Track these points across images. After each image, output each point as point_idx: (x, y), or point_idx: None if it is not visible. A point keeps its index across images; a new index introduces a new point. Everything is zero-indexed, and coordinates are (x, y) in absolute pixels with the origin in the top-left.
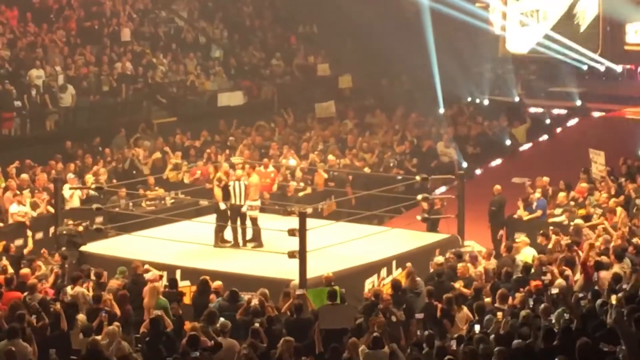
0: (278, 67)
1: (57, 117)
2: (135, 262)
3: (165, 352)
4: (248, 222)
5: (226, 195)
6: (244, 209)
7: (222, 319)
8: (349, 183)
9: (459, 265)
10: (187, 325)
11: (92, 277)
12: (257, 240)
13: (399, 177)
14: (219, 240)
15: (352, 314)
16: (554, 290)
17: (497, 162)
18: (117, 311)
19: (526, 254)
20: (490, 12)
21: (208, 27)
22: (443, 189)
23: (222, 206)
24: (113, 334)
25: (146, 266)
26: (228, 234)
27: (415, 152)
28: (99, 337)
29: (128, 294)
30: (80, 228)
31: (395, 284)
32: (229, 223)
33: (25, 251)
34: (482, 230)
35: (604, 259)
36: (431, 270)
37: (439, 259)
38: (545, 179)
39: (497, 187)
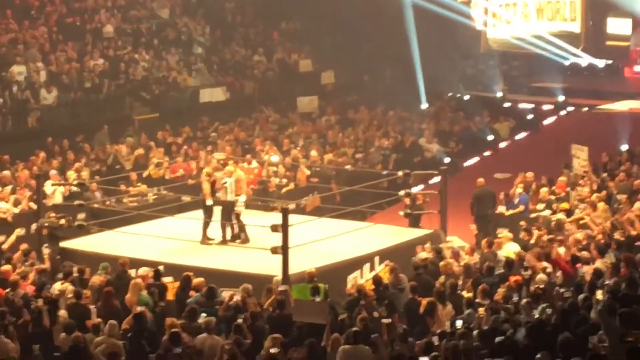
0: (260, 63)
1: (38, 113)
2: (122, 259)
3: (148, 348)
4: (233, 218)
5: (214, 191)
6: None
7: (206, 316)
8: (333, 179)
9: (442, 263)
10: (168, 321)
11: (75, 273)
12: (242, 235)
13: (385, 173)
14: (206, 238)
15: (325, 309)
16: (535, 286)
17: (480, 157)
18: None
19: (509, 249)
20: (472, 8)
21: (190, 23)
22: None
23: (210, 202)
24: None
25: (161, 267)
26: (211, 230)
27: (399, 148)
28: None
29: (113, 289)
30: (62, 221)
31: (377, 280)
32: (218, 219)
33: (5, 246)
34: (464, 226)
35: (584, 253)
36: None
37: (423, 254)
38: (529, 174)
39: (480, 180)
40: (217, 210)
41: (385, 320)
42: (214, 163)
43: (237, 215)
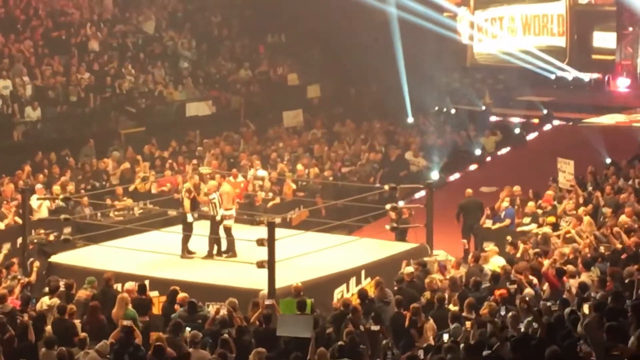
0: (246, 77)
1: (24, 127)
2: (107, 273)
3: None
4: (221, 233)
5: (194, 207)
6: (217, 219)
7: (193, 330)
8: (319, 193)
9: (427, 279)
10: (153, 335)
11: (62, 287)
12: (231, 250)
13: (376, 185)
14: (186, 252)
15: (310, 323)
16: (520, 300)
17: (466, 171)
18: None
19: (495, 263)
20: (458, 22)
21: (176, 37)
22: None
23: (190, 218)
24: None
25: (147, 281)
26: (193, 245)
27: (384, 161)
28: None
29: (99, 304)
30: (51, 237)
31: (362, 294)
32: (203, 233)
33: None
34: (450, 240)
35: (570, 267)
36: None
37: (409, 269)
38: (516, 188)
39: (468, 190)
40: (201, 225)
41: (374, 327)
42: (195, 179)
43: (228, 230)
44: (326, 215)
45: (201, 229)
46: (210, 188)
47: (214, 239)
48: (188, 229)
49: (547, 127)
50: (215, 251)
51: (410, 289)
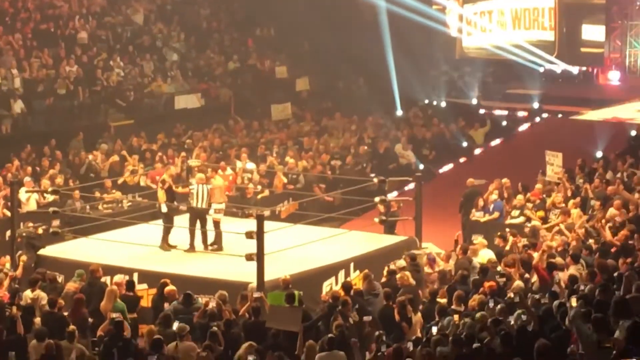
0: (235, 69)
1: (12, 120)
2: (93, 265)
3: (118, 355)
4: (210, 226)
5: (170, 197)
6: (210, 212)
7: (180, 323)
8: (316, 183)
9: (398, 275)
10: (144, 328)
11: (44, 280)
12: (217, 243)
13: (373, 175)
14: (165, 243)
15: (299, 317)
16: (511, 294)
17: (455, 164)
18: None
19: (484, 256)
20: (447, 14)
21: (165, 29)
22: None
23: (164, 208)
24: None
25: (136, 274)
26: (178, 237)
27: (373, 154)
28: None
29: (84, 297)
30: (40, 230)
31: (346, 286)
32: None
33: None
34: (440, 232)
35: (558, 260)
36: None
37: (401, 262)
38: (505, 180)
39: (470, 180)
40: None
41: (366, 318)
42: (171, 170)
43: (217, 223)
44: (315, 208)
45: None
46: (197, 180)
47: (193, 231)
48: (168, 221)
49: (536, 119)
50: (198, 243)
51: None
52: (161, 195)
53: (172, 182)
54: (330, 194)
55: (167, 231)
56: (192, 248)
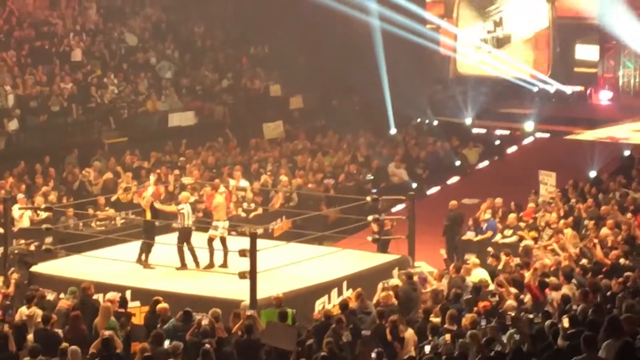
0: (229, 87)
1: (6, 137)
2: (84, 283)
3: None
4: (217, 245)
5: (154, 215)
6: (211, 231)
7: (174, 341)
8: (323, 201)
9: (382, 294)
10: (137, 346)
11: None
12: (224, 262)
13: (375, 190)
14: (142, 260)
15: (294, 336)
16: (509, 312)
17: (448, 183)
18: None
19: (477, 275)
20: (441, 34)
21: (159, 47)
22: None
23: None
24: (75, 354)
25: (128, 292)
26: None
27: (366, 173)
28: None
29: (80, 314)
30: (32, 247)
31: (343, 305)
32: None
33: None
34: (432, 251)
35: (552, 279)
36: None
37: (395, 280)
38: (498, 200)
39: (453, 202)
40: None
41: (365, 332)
42: (153, 188)
43: (223, 240)
44: (308, 227)
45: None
46: (182, 199)
47: (182, 249)
48: (149, 238)
49: (529, 139)
50: (188, 263)
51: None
52: (148, 214)
53: (155, 199)
54: (329, 210)
55: (148, 249)
56: (183, 266)
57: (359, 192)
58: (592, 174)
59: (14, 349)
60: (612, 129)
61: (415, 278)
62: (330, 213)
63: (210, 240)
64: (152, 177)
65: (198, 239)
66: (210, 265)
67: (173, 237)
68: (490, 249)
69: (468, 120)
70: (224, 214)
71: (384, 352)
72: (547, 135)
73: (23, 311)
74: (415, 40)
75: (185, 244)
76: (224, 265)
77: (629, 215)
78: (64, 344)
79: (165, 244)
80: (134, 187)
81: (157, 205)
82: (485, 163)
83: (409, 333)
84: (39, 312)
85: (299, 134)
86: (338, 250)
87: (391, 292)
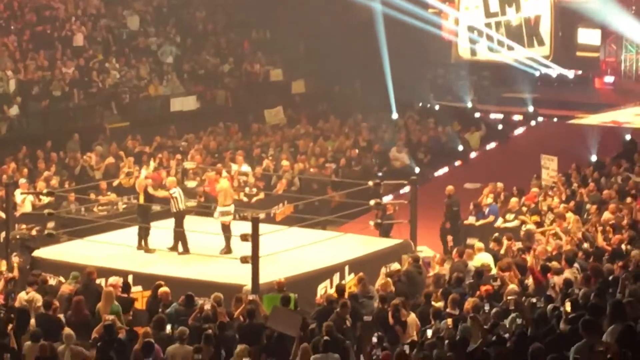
0: (231, 72)
1: (8, 122)
2: (89, 268)
3: (116, 358)
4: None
5: (147, 199)
6: (215, 215)
7: (180, 327)
8: (330, 185)
9: (382, 281)
10: (140, 330)
11: (37, 282)
12: (227, 247)
13: (381, 174)
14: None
15: (298, 322)
16: (510, 297)
17: (450, 167)
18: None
19: (480, 259)
20: (443, 19)
21: (161, 31)
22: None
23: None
24: (69, 337)
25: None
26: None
27: (367, 157)
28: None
29: (83, 298)
30: (34, 232)
31: (339, 289)
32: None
33: None
34: (435, 236)
35: (554, 264)
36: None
37: (396, 265)
38: (500, 184)
39: (450, 187)
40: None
41: (367, 318)
42: (146, 172)
43: (225, 226)
44: (311, 211)
45: (186, 224)
46: (170, 184)
47: (178, 233)
48: (145, 222)
49: (531, 123)
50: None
51: (399, 284)
52: (141, 198)
53: (155, 185)
54: (331, 194)
55: (145, 233)
56: (174, 249)
57: (366, 177)
58: (594, 158)
59: (15, 346)
60: (615, 113)
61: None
62: (332, 197)
63: (225, 227)
64: (152, 163)
65: (202, 223)
66: (228, 251)
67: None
68: (497, 234)
69: (469, 105)
70: (229, 198)
71: (384, 337)
72: (548, 119)
73: (22, 296)
74: (417, 24)
75: (176, 226)
76: (227, 250)
77: (629, 199)
78: (67, 329)
79: (168, 229)
80: (135, 172)
81: (150, 191)
82: (487, 147)
83: (412, 318)
84: (38, 297)
85: (301, 119)
86: (340, 235)
87: (389, 280)
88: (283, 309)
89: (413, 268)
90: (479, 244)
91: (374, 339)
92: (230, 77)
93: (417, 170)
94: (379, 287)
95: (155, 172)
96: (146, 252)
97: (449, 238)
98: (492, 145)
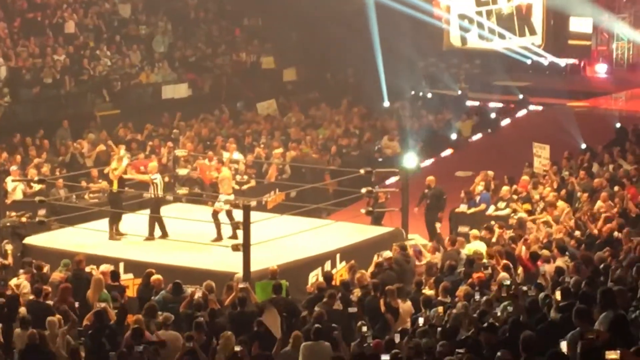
0: (223, 59)
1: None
2: (78, 256)
3: (108, 345)
4: (223, 218)
5: (121, 185)
6: (217, 204)
7: (165, 313)
8: (327, 171)
9: (357, 275)
10: (131, 318)
11: (33, 269)
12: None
13: (381, 158)
14: (114, 231)
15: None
16: (506, 282)
17: (442, 155)
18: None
19: (473, 247)
20: (434, 6)
21: (152, 19)
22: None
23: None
24: (53, 325)
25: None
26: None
27: (359, 145)
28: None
29: (70, 286)
30: (24, 219)
31: (327, 277)
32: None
33: None
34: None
35: (545, 252)
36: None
37: (387, 253)
38: (491, 172)
39: (431, 178)
40: (177, 208)
41: (352, 310)
42: (121, 155)
43: (229, 214)
44: (301, 199)
45: (177, 211)
46: (151, 169)
47: (154, 219)
48: (119, 209)
49: (523, 112)
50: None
51: (390, 272)
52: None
53: (124, 171)
54: (326, 182)
55: (117, 219)
56: (151, 236)
57: (367, 164)
58: (584, 146)
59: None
60: (607, 101)
61: (410, 251)
62: (325, 185)
63: (216, 214)
64: (123, 151)
65: (194, 212)
66: (219, 238)
67: (169, 209)
68: (492, 222)
69: (461, 93)
70: (230, 187)
71: (373, 326)
72: (540, 107)
73: (11, 283)
74: (409, 12)
75: (152, 213)
76: (234, 236)
77: (616, 188)
78: (58, 316)
79: (167, 217)
80: (125, 159)
81: (130, 174)
82: (479, 135)
83: (407, 305)
84: (25, 284)
85: (293, 107)
86: (332, 223)
87: (365, 272)
88: (274, 311)
89: (400, 256)
90: (474, 232)
91: (364, 328)
92: (222, 64)
93: (410, 158)
94: (356, 280)
95: (136, 160)
96: (111, 239)
97: (437, 225)
98: (483, 133)
